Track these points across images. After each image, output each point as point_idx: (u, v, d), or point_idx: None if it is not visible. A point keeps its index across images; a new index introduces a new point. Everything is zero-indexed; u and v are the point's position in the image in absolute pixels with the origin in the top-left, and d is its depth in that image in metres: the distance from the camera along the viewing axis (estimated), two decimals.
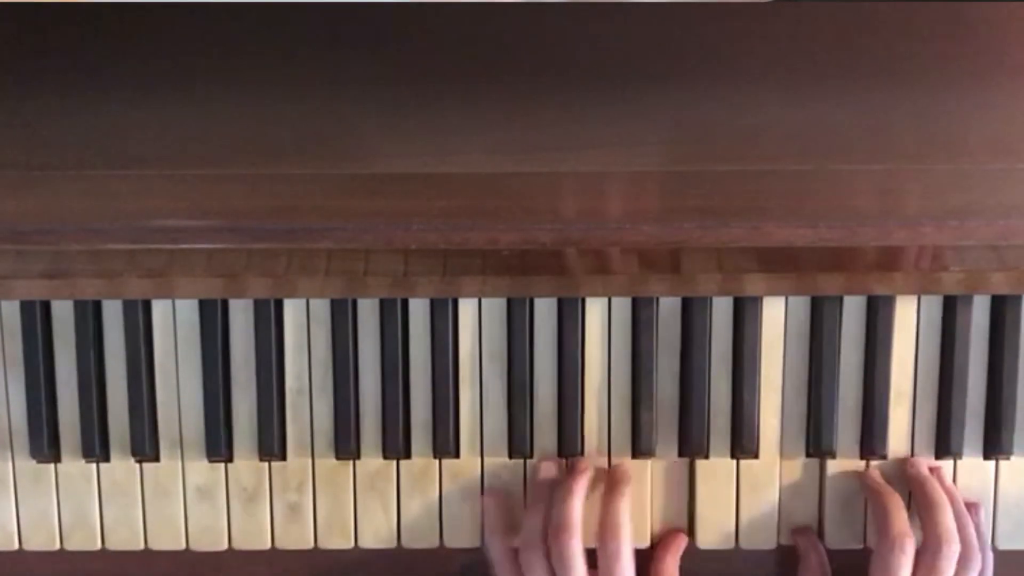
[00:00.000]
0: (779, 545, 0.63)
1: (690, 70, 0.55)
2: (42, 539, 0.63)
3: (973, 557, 0.57)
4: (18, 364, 0.61)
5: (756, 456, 0.62)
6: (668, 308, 0.61)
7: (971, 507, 0.61)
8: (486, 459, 0.62)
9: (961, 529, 0.58)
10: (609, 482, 0.61)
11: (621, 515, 0.58)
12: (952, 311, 0.60)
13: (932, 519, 0.58)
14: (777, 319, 0.61)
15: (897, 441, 0.62)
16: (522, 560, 0.58)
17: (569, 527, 0.57)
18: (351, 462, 0.62)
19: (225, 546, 0.63)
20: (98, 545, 0.63)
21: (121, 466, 0.62)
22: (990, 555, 0.60)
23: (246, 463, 0.62)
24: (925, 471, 0.61)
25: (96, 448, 0.62)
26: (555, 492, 0.59)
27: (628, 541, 0.58)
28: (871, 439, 0.61)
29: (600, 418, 0.62)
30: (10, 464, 0.62)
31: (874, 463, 0.62)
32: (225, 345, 0.61)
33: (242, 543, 0.63)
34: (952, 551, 0.56)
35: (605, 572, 0.57)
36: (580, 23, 0.55)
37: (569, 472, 0.61)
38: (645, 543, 0.62)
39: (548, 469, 0.61)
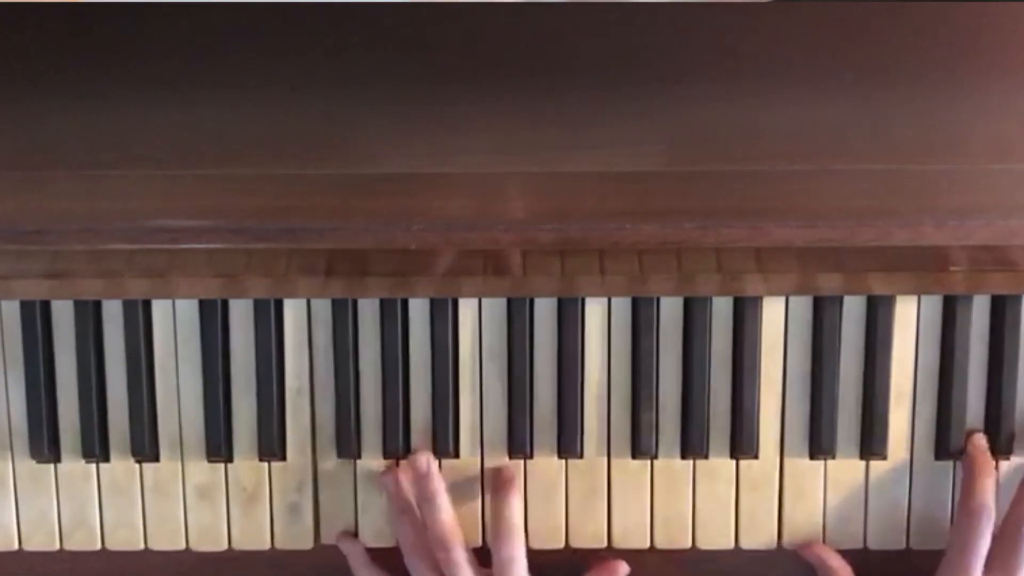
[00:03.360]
0: (779, 545, 0.62)
1: (690, 70, 0.55)
2: (42, 539, 0.63)
3: None
4: (18, 364, 0.61)
5: (756, 456, 0.62)
6: (668, 308, 0.61)
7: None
8: (486, 459, 0.62)
9: None
10: (496, 483, 0.61)
11: (513, 518, 0.59)
12: (952, 311, 0.60)
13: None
14: (777, 319, 0.61)
15: (897, 441, 0.62)
16: (408, 566, 0.60)
17: (452, 537, 0.58)
18: (351, 462, 0.62)
19: (225, 546, 0.63)
20: (98, 545, 0.63)
21: (121, 466, 0.62)
22: None
23: (246, 463, 0.62)
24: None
25: (96, 448, 0.62)
26: (420, 501, 0.60)
27: (521, 545, 0.58)
28: (871, 439, 0.61)
29: (600, 418, 0.62)
30: (10, 464, 0.62)
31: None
32: (225, 345, 0.61)
33: (242, 543, 0.63)
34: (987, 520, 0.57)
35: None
36: (580, 23, 0.55)
37: (422, 477, 0.60)
38: (645, 544, 0.62)
39: (395, 480, 0.61)
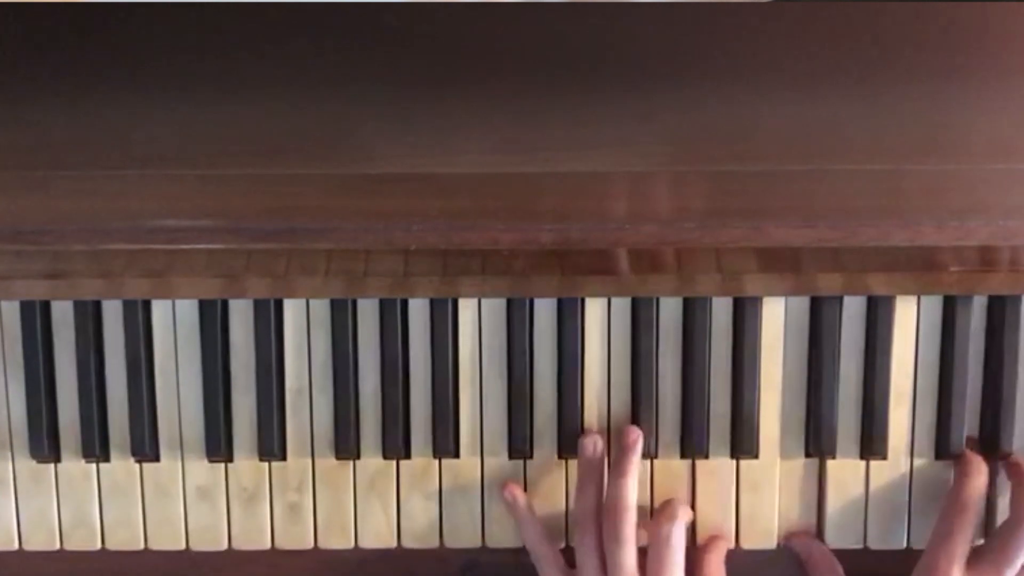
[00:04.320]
0: (779, 545, 0.63)
1: (690, 70, 0.55)
2: (42, 539, 0.63)
3: None
4: (18, 364, 0.61)
5: (756, 456, 0.62)
6: (668, 308, 0.61)
7: None
8: (486, 459, 0.62)
9: None
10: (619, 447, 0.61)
11: (678, 501, 0.59)
12: (952, 311, 0.60)
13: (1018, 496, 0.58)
14: (777, 319, 0.61)
15: (897, 441, 0.62)
16: (576, 543, 0.59)
17: (624, 506, 0.58)
18: (351, 462, 0.62)
19: (225, 546, 0.63)
20: (98, 545, 0.63)
21: (121, 466, 0.62)
22: None
23: (246, 463, 0.62)
24: None
25: (96, 448, 0.62)
26: (611, 470, 0.60)
27: (682, 528, 0.58)
28: (871, 439, 0.61)
29: (600, 418, 0.62)
30: (10, 464, 0.62)
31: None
32: (225, 345, 0.61)
33: (242, 543, 0.63)
34: None
35: (655, 555, 0.57)
36: (580, 23, 0.55)
37: (620, 449, 0.60)
38: (641, 543, 0.62)
39: (594, 445, 0.61)
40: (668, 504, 0.60)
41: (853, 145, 0.55)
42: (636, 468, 0.60)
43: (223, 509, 0.63)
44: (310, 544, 0.63)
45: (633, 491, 0.59)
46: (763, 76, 0.55)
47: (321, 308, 0.61)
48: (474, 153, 0.55)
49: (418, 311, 0.61)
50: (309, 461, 0.62)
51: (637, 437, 0.60)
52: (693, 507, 0.62)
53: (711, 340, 0.61)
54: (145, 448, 0.62)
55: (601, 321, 0.61)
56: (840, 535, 0.62)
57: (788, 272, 0.58)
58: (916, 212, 0.53)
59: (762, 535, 0.62)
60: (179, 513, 0.63)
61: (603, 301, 0.61)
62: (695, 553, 0.62)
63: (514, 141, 0.55)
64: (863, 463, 0.62)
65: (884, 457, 0.62)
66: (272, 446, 0.62)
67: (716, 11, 0.55)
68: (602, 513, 0.59)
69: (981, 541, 0.60)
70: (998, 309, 0.60)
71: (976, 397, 0.61)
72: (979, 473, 0.59)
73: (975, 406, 0.61)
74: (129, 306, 0.61)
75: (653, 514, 0.60)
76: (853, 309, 0.61)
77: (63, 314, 0.61)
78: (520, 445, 0.62)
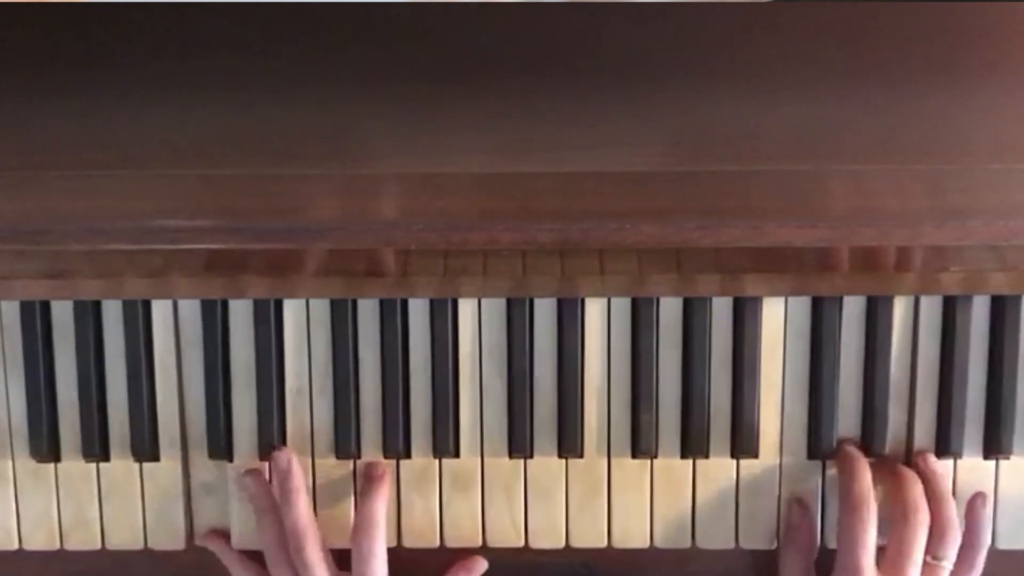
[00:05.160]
0: (779, 545, 0.62)
1: (690, 70, 0.55)
2: (42, 539, 0.63)
3: (975, 545, 0.59)
4: (18, 364, 0.61)
5: (756, 456, 0.62)
6: (668, 308, 0.61)
7: (977, 498, 0.61)
8: (486, 459, 0.62)
9: (943, 505, 0.58)
10: (367, 476, 0.61)
11: (376, 514, 0.59)
12: (952, 311, 0.60)
13: (899, 490, 0.58)
14: (777, 319, 0.61)
15: (897, 441, 0.62)
16: (270, 567, 0.59)
17: (305, 535, 0.58)
18: (351, 462, 0.62)
19: None
20: (98, 545, 0.63)
21: (121, 466, 0.62)
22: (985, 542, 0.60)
23: (246, 463, 0.62)
24: (932, 463, 0.61)
25: (96, 448, 0.62)
26: (280, 498, 0.60)
27: (382, 540, 0.58)
28: (871, 439, 0.61)
29: (600, 418, 0.62)
30: (10, 464, 0.62)
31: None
32: (225, 345, 0.61)
33: (242, 543, 0.63)
34: (919, 520, 0.57)
35: (358, 573, 0.57)
36: (580, 23, 0.55)
37: (282, 474, 0.60)
38: (645, 544, 0.62)
39: (256, 480, 0.61)
40: (363, 514, 0.59)
41: (853, 145, 0.55)
42: (302, 487, 0.60)
43: (223, 509, 0.63)
44: None
45: (305, 511, 0.59)
46: (763, 76, 0.55)
47: (321, 308, 0.61)
48: (474, 153, 0.55)
49: (418, 311, 0.61)
50: (309, 461, 0.62)
51: (288, 460, 0.60)
52: (693, 507, 0.62)
53: (711, 340, 0.61)
54: (145, 448, 0.62)
55: (601, 321, 0.61)
56: None
57: (788, 272, 0.58)
58: (916, 212, 0.52)
59: (762, 535, 0.62)
60: (179, 513, 0.63)
61: (603, 301, 0.61)
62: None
63: (514, 141, 0.55)
64: None
65: (883, 457, 0.61)
66: (272, 446, 0.62)
67: (716, 11, 0.55)
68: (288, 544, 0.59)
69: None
70: (999, 309, 0.60)
71: (977, 397, 0.61)
72: (863, 469, 0.59)
73: (975, 406, 0.61)
74: (129, 306, 0.61)
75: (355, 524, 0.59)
76: (853, 309, 0.61)
77: (63, 314, 0.61)
78: (520, 445, 0.62)
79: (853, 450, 0.60)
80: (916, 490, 0.58)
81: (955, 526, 0.59)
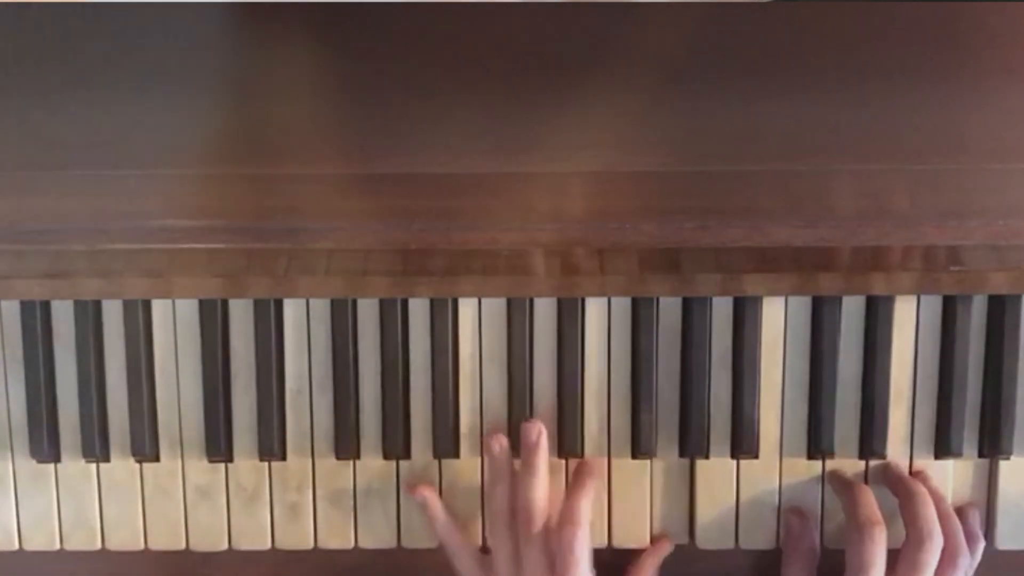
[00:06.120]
0: (779, 545, 0.63)
1: (690, 70, 0.55)
2: (42, 539, 0.63)
3: (958, 554, 0.58)
4: (18, 364, 0.61)
5: (756, 456, 0.62)
6: (668, 308, 0.61)
7: (966, 509, 0.61)
8: (486, 459, 0.62)
9: (945, 524, 0.58)
10: (577, 472, 0.61)
11: (584, 507, 0.58)
12: (952, 311, 0.60)
13: (912, 512, 0.58)
14: (777, 319, 0.61)
15: (897, 441, 0.62)
16: (491, 543, 0.59)
17: (536, 508, 0.57)
18: (351, 462, 0.62)
19: (225, 546, 0.63)
20: (98, 545, 0.63)
21: (121, 466, 0.62)
22: (977, 557, 0.60)
23: (246, 463, 0.62)
24: (902, 470, 0.61)
25: (96, 448, 0.62)
26: (520, 469, 0.59)
27: (585, 531, 0.57)
28: (871, 439, 0.61)
29: (600, 418, 0.62)
30: (10, 464, 0.62)
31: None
32: (225, 345, 0.61)
33: (242, 543, 0.63)
34: (935, 545, 0.56)
35: (560, 563, 0.57)
36: (580, 23, 0.55)
37: (524, 448, 0.60)
38: (645, 544, 0.62)
39: (500, 445, 0.60)
40: (574, 496, 0.58)
41: (853, 145, 0.55)
42: (544, 465, 0.59)
43: (223, 509, 0.63)
44: (310, 544, 0.63)
45: (543, 489, 0.58)
46: (763, 76, 0.55)
47: (321, 308, 0.61)
48: (474, 153, 0.55)
49: (418, 311, 0.61)
50: (309, 461, 0.62)
51: (539, 433, 0.60)
52: (693, 507, 0.62)
53: (711, 340, 0.61)
54: (145, 448, 0.62)
55: (601, 321, 0.61)
56: (840, 535, 0.62)
57: (788, 272, 0.58)
58: (916, 212, 0.53)
59: (762, 535, 0.62)
60: (179, 513, 0.63)
61: (603, 301, 0.61)
62: (635, 554, 0.62)
63: (513, 141, 0.55)
64: (863, 463, 0.62)
65: (883, 457, 0.62)
66: (272, 446, 0.62)
67: (716, 11, 0.55)
68: (516, 514, 0.59)
69: None
70: (998, 309, 0.60)
71: (976, 397, 0.61)
72: (866, 493, 0.59)
73: (975, 406, 0.61)
74: (129, 306, 0.61)
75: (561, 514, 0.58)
76: (853, 309, 0.61)
77: (63, 314, 0.61)
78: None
79: (849, 479, 0.61)
80: (931, 512, 0.57)
81: (965, 550, 0.58)
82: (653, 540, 0.62)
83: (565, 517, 0.57)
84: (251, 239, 0.53)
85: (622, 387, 0.62)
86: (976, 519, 0.61)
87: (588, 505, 0.58)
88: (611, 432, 0.62)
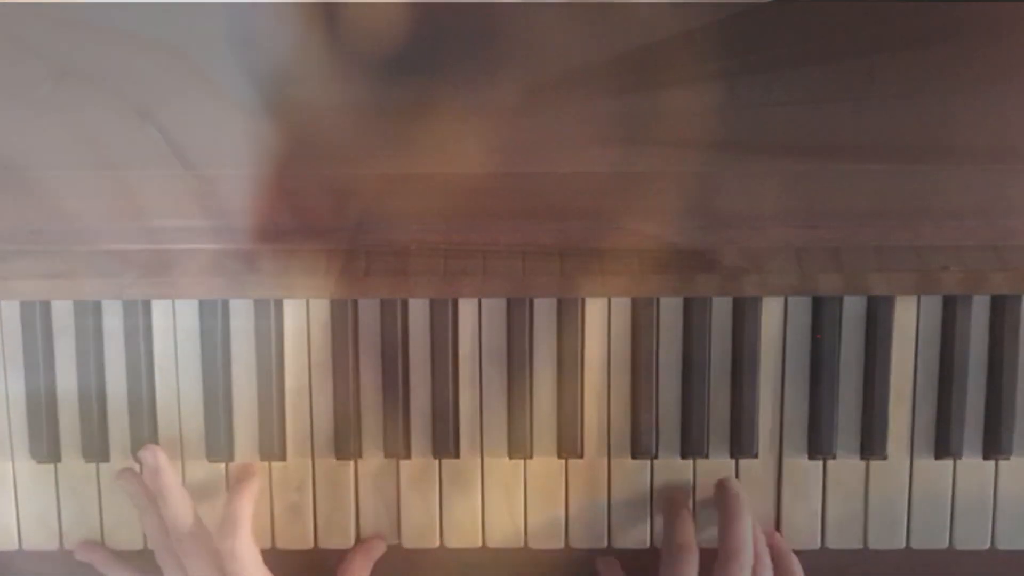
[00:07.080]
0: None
1: (690, 70, 0.55)
2: (42, 539, 0.63)
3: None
4: (18, 364, 0.61)
5: (756, 456, 0.62)
6: (668, 308, 0.61)
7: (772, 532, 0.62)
8: (486, 459, 0.62)
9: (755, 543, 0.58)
10: (237, 476, 0.61)
11: (239, 512, 0.58)
12: (952, 311, 0.60)
13: (727, 528, 0.58)
14: (777, 319, 0.61)
15: (897, 441, 0.62)
16: (159, 563, 0.59)
17: (185, 532, 0.58)
18: (351, 462, 0.62)
19: None
20: None
21: (121, 466, 0.62)
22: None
23: (245, 463, 0.62)
24: (737, 488, 0.61)
25: (96, 448, 0.62)
26: (155, 497, 0.59)
27: (247, 539, 0.58)
28: (871, 439, 0.61)
29: (600, 418, 0.62)
30: (10, 464, 0.62)
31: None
32: (225, 345, 0.61)
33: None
34: (745, 561, 0.57)
35: (229, 570, 0.57)
36: (580, 23, 0.55)
37: (152, 473, 0.59)
38: (644, 544, 0.62)
39: (129, 479, 0.61)
40: (230, 503, 0.59)
41: (853, 145, 0.55)
42: (174, 484, 0.59)
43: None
44: (310, 544, 0.63)
45: (182, 507, 0.58)
46: (763, 75, 0.55)
47: (321, 308, 0.61)
48: (475, 153, 0.55)
49: (418, 311, 0.61)
50: (309, 461, 0.62)
51: (155, 456, 0.59)
52: (693, 507, 0.62)
53: (711, 340, 0.61)
54: None
55: (601, 321, 0.61)
56: (840, 535, 0.62)
57: (788, 272, 0.58)
58: (916, 212, 0.53)
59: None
60: None
61: (603, 301, 0.61)
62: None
63: (514, 141, 0.55)
64: (863, 463, 0.62)
65: (884, 457, 0.62)
66: (272, 446, 0.62)
67: (716, 11, 0.55)
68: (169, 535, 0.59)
69: None
70: (999, 309, 0.60)
71: (977, 397, 0.61)
72: (685, 519, 0.60)
73: (975, 406, 0.61)
74: (129, 306, 0.61)
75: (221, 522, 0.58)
76: (853, 309, 0.61)
77: (63, 314, 0.61)
78: (520, 445, 0.62)
79: (679, 497, 0.61)
80: (739, 529, 0.58)
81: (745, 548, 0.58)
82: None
83: (224, 528, 0.58)
84: (251, 239, 0.53)
85: (622, 387, 0.62)
86: (782, 540, 0.62)
87: (247, 509, 0.59)
88: (611, 432, 0.62)
